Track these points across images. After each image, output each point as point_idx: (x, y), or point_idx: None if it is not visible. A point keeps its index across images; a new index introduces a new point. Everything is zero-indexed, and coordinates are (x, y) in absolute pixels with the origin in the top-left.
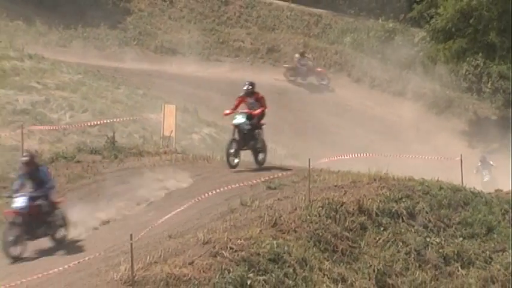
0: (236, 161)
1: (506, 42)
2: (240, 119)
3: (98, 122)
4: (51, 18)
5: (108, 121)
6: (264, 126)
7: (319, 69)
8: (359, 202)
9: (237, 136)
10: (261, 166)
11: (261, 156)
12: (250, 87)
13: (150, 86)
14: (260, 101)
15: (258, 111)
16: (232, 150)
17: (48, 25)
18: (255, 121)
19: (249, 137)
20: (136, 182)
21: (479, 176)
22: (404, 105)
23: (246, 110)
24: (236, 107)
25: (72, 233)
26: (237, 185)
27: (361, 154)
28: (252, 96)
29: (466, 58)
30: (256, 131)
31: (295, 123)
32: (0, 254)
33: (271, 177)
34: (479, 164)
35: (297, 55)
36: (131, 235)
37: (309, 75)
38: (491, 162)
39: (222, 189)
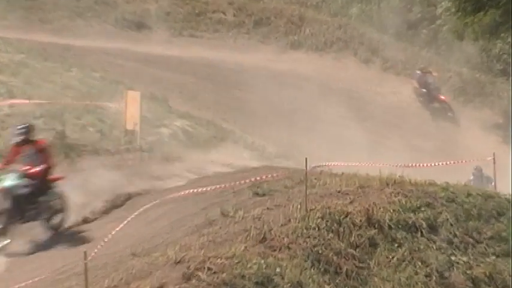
0: (4, 242)
1: None
2: (9, 180)
3: (45, 113)
4: None
5: (57, 111)
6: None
7: (442, 97)
8: (368, 212)
9: (6, 205)
10: (56, 231)
11: (57, 218)
12: (24, 133)
13: (109, 67)
14: (43, 153)
15: (38, 169)
16: None
17: None
18: (37, 182)
19: (27, 204)
20: (91, 187)
21: None
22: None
23: (22, 167)
24: (8, 161)
25: (14, 249)
26: (216, 189)
27: (370, 161)
28: (31, 145)
29: (500, 34)
30: (44, 194)
31: (288, 115)
32: None
33: (259, 180)
34: (471, 177)
35: (418, 71)
36: (85, 252)
37: (432, 101)
38: (490, 176)
39: (195, 190)
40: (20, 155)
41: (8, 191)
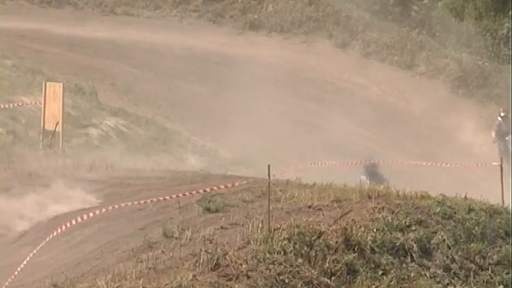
0: None
1: None
2: None
3: None
4: None
5: None
6: None
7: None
8: (345, 232)
9: None
10: None
11: None
12: None
13: (24, 53)
14: None
15: None
16: None
17: None
18: None
19: None
20: (3, 203)
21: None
22: (415, 83)
23: None
24: None
25: None
26: (157, 201)
27: (349, 161)
28: None
29: (509, 11)
30: None
31: (247, 112)
32: None
33: (211, 193)
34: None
35: (499, 119)
36: None
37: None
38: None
39: (131, 203)
40: None
41: None
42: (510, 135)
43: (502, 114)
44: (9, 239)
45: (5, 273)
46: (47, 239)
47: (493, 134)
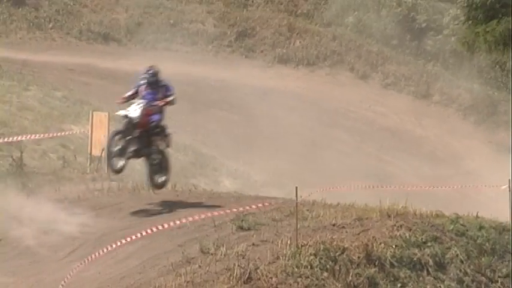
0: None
1: None
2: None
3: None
4: None
5: (15, 137)
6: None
7: None
8: (367, 248)
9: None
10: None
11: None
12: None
13: (73, 86)
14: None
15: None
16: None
17: None
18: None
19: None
20: (54, 221)
21: None
22: (430, 111)
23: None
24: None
25: None
26: (194, 220)
27: (369, 185)
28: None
29: None
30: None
31: (276, 138)
32: None
33: (244, 213)
34: None
35: None
36: None
37: None
38: None
39: (171, 224)
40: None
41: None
42: None
43: None
44: (60, 255)
45: (55, 286)
46: (94, 256)
47: None
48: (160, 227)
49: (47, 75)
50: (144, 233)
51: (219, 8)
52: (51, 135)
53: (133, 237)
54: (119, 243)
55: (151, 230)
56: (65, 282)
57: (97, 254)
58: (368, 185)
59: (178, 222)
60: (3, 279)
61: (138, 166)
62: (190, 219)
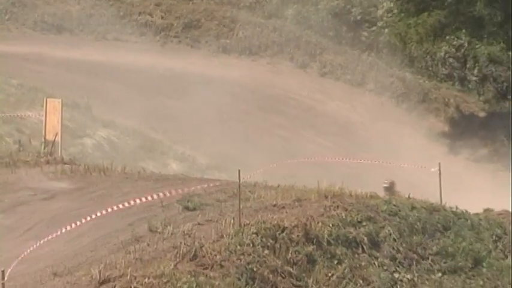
0: None
1: (497, 15)
2: None
3: None
4: None
5: None
6: None
7: None
8: (305, 227)
9: None
10: None
11: None
12: None
13: (28, 74)
14: None
15: None
16: None
17: None
18: None
19: None
20: (9, 202)
21: None
22: (364, 98)
23: None
24: None
25: None
26: (142, 202)
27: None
28: None
29: (446, 36)
30: None
31: (220, 124)
32: None
33: (189, 194)
34: None
35: None
36: (2, 272)
37: None
38: None
39: (121, 206)
40: None
41: None
42: None
43: None
44: (15, 234)
45: (11, 263)
46: (50, 237)
47: None
48: (110, 210)
49: (3, 64)
50: (98, 214)
51: (167, 1)
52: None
53: (88, 218)
54: (73, 226)
55: (106, 211)
56: (21, 258)
57: (55, 234)
58: (304, 161)
59: (127, 204)
60: None
61: (90, 150)
62: (138, 201)
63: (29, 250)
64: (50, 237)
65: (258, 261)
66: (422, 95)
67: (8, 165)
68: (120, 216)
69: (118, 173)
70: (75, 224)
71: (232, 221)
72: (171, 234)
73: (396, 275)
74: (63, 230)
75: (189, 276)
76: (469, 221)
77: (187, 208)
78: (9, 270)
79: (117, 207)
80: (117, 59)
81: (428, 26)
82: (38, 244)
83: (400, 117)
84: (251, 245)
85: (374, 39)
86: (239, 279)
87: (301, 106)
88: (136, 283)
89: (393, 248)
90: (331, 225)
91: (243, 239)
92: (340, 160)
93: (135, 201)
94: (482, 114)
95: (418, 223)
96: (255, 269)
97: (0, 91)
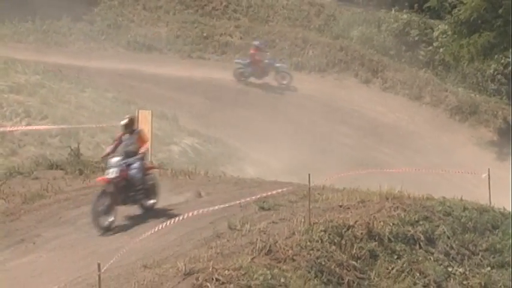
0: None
1: None
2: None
3: (60, 131)
4: (2, 8)
5: (72, 129)
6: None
7: (278, 64)
8: (368, 225)
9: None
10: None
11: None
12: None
13: (121, 88)
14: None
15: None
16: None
17: None
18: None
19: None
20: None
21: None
22: (421, 110)
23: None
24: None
25: (30, 258)
26: (225, 205)
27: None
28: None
29: (495, 55)
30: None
31: (292, 133)
32: None
33: (265, 195)
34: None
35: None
36: (99, 264)
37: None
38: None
39: (205, 210)
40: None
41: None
42: None
43: None
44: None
45: (106, 257)
46: (149, 232)
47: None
48: (195, 212)
49: (100, 79)
50: (183, 217)
51: (245, 23)
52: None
53: (180, 217)
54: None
55: (192, 214)
56: (121, 253)
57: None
58: (369, 171)
59: (211, 208)
60: (63, 252)
61: (176, 156)
62: (216, 207)
63: (127, 247)
64: (145, 236)
65: (325, 256)
66: (474, 107)
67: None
68: (203, 215)
69: (201, 176)
70: (165, 225)
71: (302, 220)
72: (248, 231)
73: (450, 269)
74: (154, 230)
75: (264, 269)
76: None
77: (262, 208)
78: (108, 264)
79: (202, 211)
80: (201, 75)
81: (478, 46)
82: (137, 239)
83: (453, 127)
84: (319, 241)
85: (430, 57)
86: (309, 272)
87: (365, 117)
88: (218, 275)
89: (447, 245)
90: (391, 224)
91: (312, 236)
92: (402, 168)
93: (215, 207)
94: None
95: (470, 222)
96: (323, 263)
97: (97, 103)
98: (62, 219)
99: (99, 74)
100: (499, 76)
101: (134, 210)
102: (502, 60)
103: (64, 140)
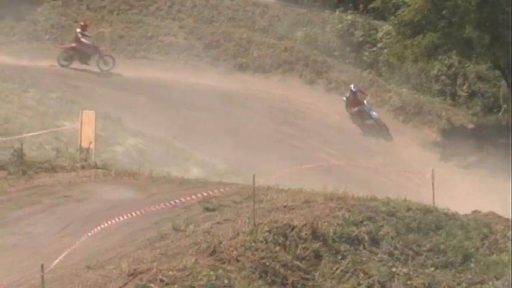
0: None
1: (485, 38)
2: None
3: (4, 131)
4: None
5: (15, 130)
6: None
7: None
8: (312, 226)
9: None
10: None
11: None
12: None
13: (65, 88)
14: None
15: None
16: None
17: None
18: None
19: None
20: (48, 203)
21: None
22: None
23: None
24: None
25: None
26: (169, 205)
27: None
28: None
29: (438, 56)
30: None
31: (237, 134)
32: None
33: (209, 196)
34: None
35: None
36: (42, 265)
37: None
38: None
39: (149, 210)
40: None
41: None
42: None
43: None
44: (54, 231)
45: (49, 258)
46: (89, 234)
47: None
48: (139, 212)
49: (44, 79)
50: (124, 217)
51: (189, 23)
52: (47, 129)
53: (121, 218)
54: (108, 223)
55: (135, 213)
56: (64, 255)
57: (92, 232)
58: (314, 166)
59: (154, 207)
60: (6, 253)
61: (120, 157)
62: (163, 205)
63: (72, 247)
64: (87, 236)
65: (270, 256)
66: (417, 108)
67: (47, 170)
68: (146, 216)
69: (145, 177)
70: (107, 223)
71: (247, 220)
72: (193, 232)
73: (394, 269)
74: (97, 229)
75: (208, 269)
76: (458, 221)
77: (207, 209)
78: (52, 265)
79: (144, 210)
80: (145, 75)
81: (422, 47)
82: (79, 241)
83: (397, 128)
84: (264, 242)
85: (374, 58)
86: (253, 273)
87: (309, 118)
88: (162, 275)
89: (391, 245)
90: (335, 225)
91: (256, 237)
92: (344, 165)
93: (159, 206)
94: (470, 125)
95: (414, 223)
96: (267, 264)
97: (40, 103)
98: (5, 220)
99: (43, 74)
100: (442, 77)
101: (74, 208)
102: (446, 61)
103: (7, 141)
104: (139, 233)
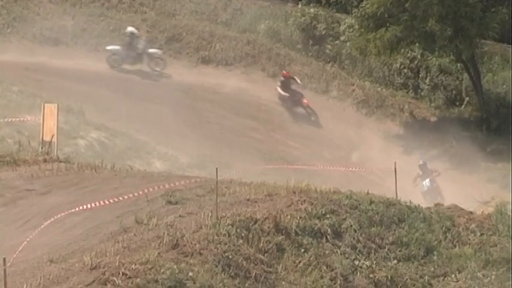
0: None
1: (447, 31)
2: None
3: None
4: None
5: None
6: None
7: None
8: (275, 219)
9: None
10: None
11: None
12: None
13: (27, 82)
14: None
15: None
16: None
17: None
18: None
19: None
20: (10, 197)
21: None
22: (328, 104)
23: None
24: None
25: None
26: (130, 197)
27: (278, 166)
28: None
29: (401, 49)
30: None
31: (200, 127)
32: None
33: (172, 189)
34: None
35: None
36: (4, 259)
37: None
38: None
39: (111, 201)
40: None
41: None
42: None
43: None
44: (16, 225)
45: (11, 252)
46: (45, 224)
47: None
48: (102, 203)
49: (5, 73)
50: (89, 206)
51: (152, 16)
52: (9, 121)
53: (81, 207)
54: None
55: (95, 204)
56: (22, 248)
57: (47, 222)
58: (277, 166)
59: (116, 199)
60: None
61: (83, 150)
62: (126, 197)
63: (28, 239)
64: (43, 226)
65: (233, 249)
66: (380, 101)
67: (9, 163)
68: (109, 209)
69: (108, 170)
70: (69, 216)
71: (210, 213)
72: (155, 225)
73: (356, 262)
74: (58, 222)
75: (171, 263)
76: (421, 214)
77: (170, 202)
78: (12, 258)
79: (108, 201)
80: (108, 69)
81: (385, 40)
82: (35, 233)
83: (360, 121)
84: (227, 235)
85: (337, 51)
86: (216, 266)
87: (272, 111)
88: (124, 269)
89: (354, 238)
90: (298, 218)
91: (219, 230)
92: (308, 158)
93: (123, 197)
94: (433, 118)
95: (376, 216)
96: (230, 257)
97: (2, 97)
98: None
99: (4, 68)
100: (405, 70)
101: (37, 202)
102: (409, 54)
103: None
104: (102, 227)
